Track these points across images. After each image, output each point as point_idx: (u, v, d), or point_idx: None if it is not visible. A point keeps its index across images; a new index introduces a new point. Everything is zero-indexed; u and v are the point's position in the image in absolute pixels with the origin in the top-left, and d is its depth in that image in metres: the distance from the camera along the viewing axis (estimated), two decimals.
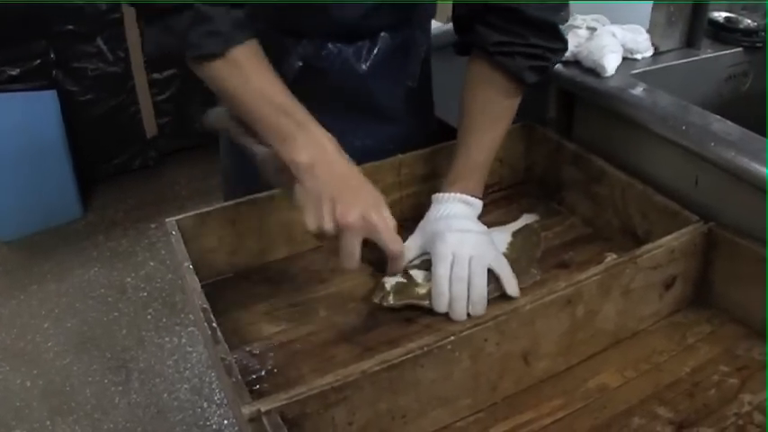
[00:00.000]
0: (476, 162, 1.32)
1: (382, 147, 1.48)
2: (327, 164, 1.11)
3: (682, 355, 1.15)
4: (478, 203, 1.31)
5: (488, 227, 1.30)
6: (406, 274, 1.24)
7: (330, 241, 1.10)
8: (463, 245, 1.20)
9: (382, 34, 1.45)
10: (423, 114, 1.63)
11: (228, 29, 1.11)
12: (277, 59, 1.21)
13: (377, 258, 1.18)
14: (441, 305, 1.18)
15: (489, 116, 1.33)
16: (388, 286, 1.22)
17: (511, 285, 1.19)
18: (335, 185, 1.09)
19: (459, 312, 1.16)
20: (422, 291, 1.21)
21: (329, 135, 1.13)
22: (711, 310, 1.24)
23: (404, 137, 1.53)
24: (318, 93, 1.37)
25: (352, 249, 1.09)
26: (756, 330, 1.18)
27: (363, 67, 1.45)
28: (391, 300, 1.21)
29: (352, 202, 1.08)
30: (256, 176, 1.23)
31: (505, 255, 1.26)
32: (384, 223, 1.10)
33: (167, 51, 1.15)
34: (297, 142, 1.10)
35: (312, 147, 1.11)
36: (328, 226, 1.07)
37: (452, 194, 1.29)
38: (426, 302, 1.20)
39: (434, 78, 1.63)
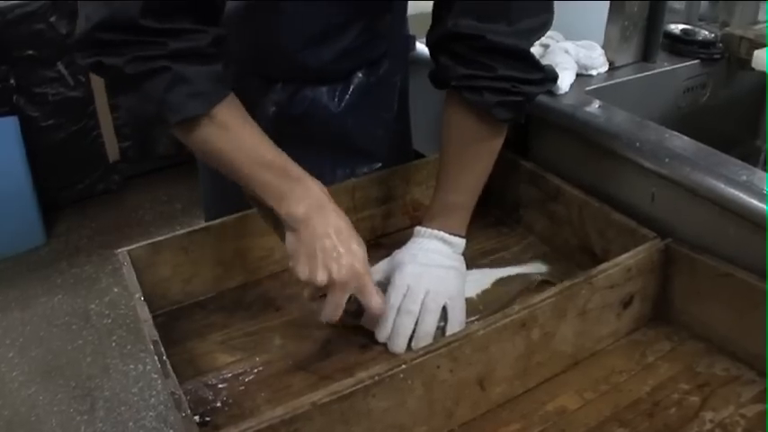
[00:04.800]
0: (454, 203, 1.28)
1: None
2: (323, 216, 1.11)
3: (641, 374, 1.14)
4: (459, 242, 1.27)
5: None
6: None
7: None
8: (421, 278, 1.19)
9: (357, 74, 1.45)
10: (401, 148, 1.62)
11: (209, 87, 1.06)
12: (252, 104, 1.18)
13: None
14: (382, 335, 1.18)
15: (466, 155, 1.27)
16: None
17: (454, 331, 1.15)
18: (329, 240, 1.09)
19: (399, 345, 1.16)
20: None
21: (323, 188, 1.14)
22: (671, 326, 1.23)
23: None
24: (294, 135, 1.38)
25: (340, 303, 1.10)
26: (717, 346, 1.17)
27: (338, 108, 1.45)
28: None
29: (346, 257, 1.09)
30: (237, 198, 1.22)
31: (472, 300, 1.26)
32: (370, 280, 1.11)
33: (147, 117, 1.08)
34: (294, 196, 1.10)
35: (308, 200, 1.11)
36: (321, 279, 1.07)
37: (430, 230, 1.26)
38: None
39: (413, 108, 1.62)
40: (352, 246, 1.11)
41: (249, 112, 1.13)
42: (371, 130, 1.52)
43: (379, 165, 1.53)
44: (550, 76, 1.29)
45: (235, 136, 1.10)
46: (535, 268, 1.39)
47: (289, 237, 1.12)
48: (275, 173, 1.11)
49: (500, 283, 1.34)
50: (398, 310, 1.17)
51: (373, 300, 1.11)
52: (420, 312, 1.16)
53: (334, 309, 1.10)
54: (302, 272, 1.09)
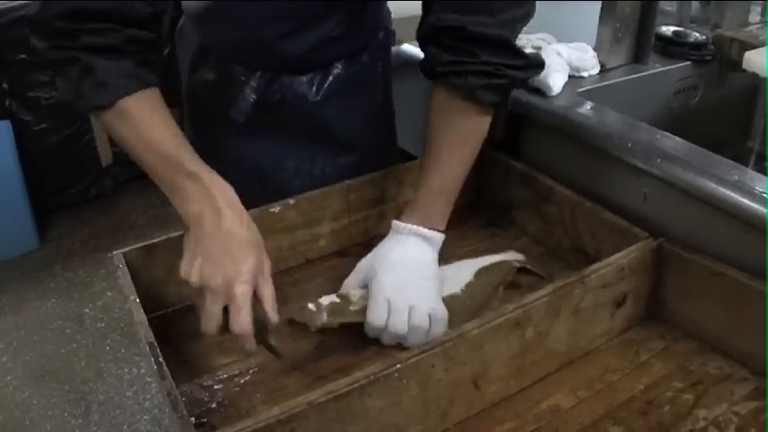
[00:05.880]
0: (438, 188, 1.27)
1: (342, 175, 1.47)
2: (216, 217, 1.07)
3: (635, 373, 1.14)
4: (437, 237, 1.26)
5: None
6: (340, 295, 1.24)
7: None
8: (401, 292, 1.18)
9: (336, 65, 1.45)
10: (383, 142, 1.63)
11: (114, 80, 1.08)
12: (235, 93, 1.21)
13: None
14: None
15: (451, 140, 1.27)
16: (323, 306, 1.21)
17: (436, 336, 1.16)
18: (215, 243, 1.06)
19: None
20: (355, 308, 1.21)
21: (225, 186, 1.11)
22: (664, 325, 1.24)
23: (364, 165, 1.51)
24: (275, 123, 1.40)
25: (212, 313, 1.04)
26: (710, 345, 1.18)
27: (317, 97, 1.45)
28: (325, 318, 1.20)
29: (223, 265, 1.04)
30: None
31: (457, 295, 1.26)
32: (242, 301, 1.03)
33: (70, 103, 1.13)
34: (187, 192, 1.09)
35: (203, 198, 1.08)
36: (193, 280, 1.04)
37: (409, 226, 1.25)
38: (359, 319, 1.20)
39: (399, 108, 1.62)
40: (238, 256, 1.05)
41: (232, 101, 1.14)
42: (351, 121, 1.52)
43: (360, 156, 1.54)
44: (534, 62, 1.32)
45: (136, 127, 1.10)
46: (511, 256, 1.39)
47: (184, 241, 1.10)
48: (172, 166, 1.09)
49: (481, 273, 1.33)
50: (385, 329, 1.17)
51: (234, 322, 1.03)
52: (408, 331, 1.16)
53: (206, 318, 1.04)
54: (183, 269, 1.06)
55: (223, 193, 1.09)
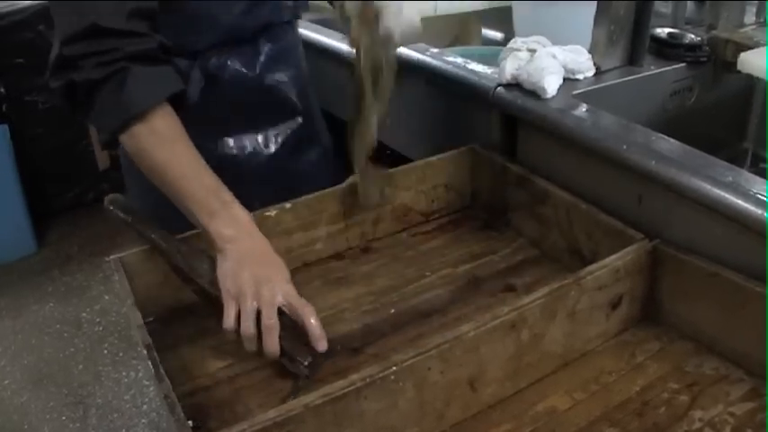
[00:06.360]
0: None
1: (294, 144, 1.63)
2: (250, 239, 1.20)
3: (631, 375, 1.15)
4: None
5: (436, 253, 1.28)
6: None
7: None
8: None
9: (263, 41, 1.54)
10: (312, 101, 1.72)
11: (163, 82, 1.22)
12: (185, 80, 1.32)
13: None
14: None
15: None
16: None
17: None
18: (255, 257, 1.18)
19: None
20: None
21: (250, 216, 1.23)
22: (660, 327, 1.24)
23: (307, 127, 1.66)
24: (222, 101, 1.50)
25: (270, 318, 1.13)
26: (705, 346, 1.18)
27: (254, 72, 1.53)
28: None
29: (272, 274, 1.17)
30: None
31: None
32: (296, 301, 1.16)
33: (109, 126, 1.21)
34: (222, 218, 1.19)
35: (237, 225, 1.20)
36: (249, 290, 1.14)
37: None
38: None
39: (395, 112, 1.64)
40: (275, 265, 1.20)
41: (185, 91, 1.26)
42: (287, 89, 1.61)
43: (301, 119, 1.65)
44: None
45: (174, 148, 1.22)
46: None
47: (218, 261, 1.19)
48: (209, 191, 1.20)
49: None
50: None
51: (306, 311, 1.15)
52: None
53: (245, 317, 1.13)
54: (231, 287, 1.15)
55: (249, 218, 1.22)
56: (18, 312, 3.31)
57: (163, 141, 1.21)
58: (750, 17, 1.91)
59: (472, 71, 1.62)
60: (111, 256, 1.26)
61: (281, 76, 1.58)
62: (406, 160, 1.59)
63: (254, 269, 1.15)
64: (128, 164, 1.53)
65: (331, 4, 1.64)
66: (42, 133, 3.68)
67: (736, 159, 1.83)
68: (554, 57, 1.50)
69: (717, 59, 1.79)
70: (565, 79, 1.52)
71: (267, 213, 1.36)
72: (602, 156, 1.33)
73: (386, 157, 1.66)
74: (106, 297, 3.38)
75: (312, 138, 1.69)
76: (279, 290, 1.15)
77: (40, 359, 3.03)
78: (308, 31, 2.06)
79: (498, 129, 1.54)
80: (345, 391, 0.94)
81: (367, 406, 0.97)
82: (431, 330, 1.24)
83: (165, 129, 1.20)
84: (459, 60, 1.68)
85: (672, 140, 1.29)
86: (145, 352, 1.06)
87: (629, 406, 1.08)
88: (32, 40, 3.48)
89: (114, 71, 1.16)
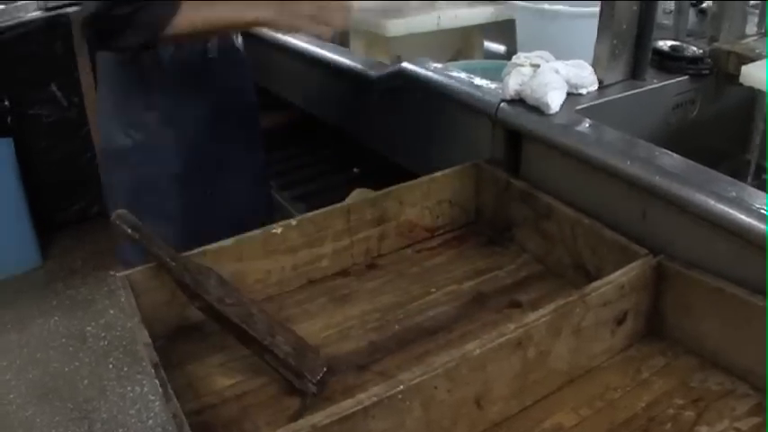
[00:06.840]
0: None
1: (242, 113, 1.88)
2: None
3: (636, 390, 1.15)
4: None
5: (441, 269, 1.28)
6: None
7: None
8: None
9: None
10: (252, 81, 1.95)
11: None
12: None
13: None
14: None
15: None
16: None
17: None
18: None
19: None
20: None
21: None
22: (665, 342, 1.24)
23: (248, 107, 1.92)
24: (187, 81, 1.72)
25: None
26: (710, 361, 1.18)
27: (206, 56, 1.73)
28: None
29: None
30: None
31: None
32: None
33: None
34: None
35: None
36: None
37: None
38: None
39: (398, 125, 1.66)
40: None
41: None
42: (235, 72, 1.83)
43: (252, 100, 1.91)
44: None
45: None
46: None
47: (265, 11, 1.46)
48: None
49: None
50: None
51: None
52: None
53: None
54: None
55: None
56: (23, 326, 3.31)
57: None
58: (752, 27, 1.91)
59: (476, 87, 1.62)
60: (119, 274, 1.26)
61: (229, 64, 1.79)
62: (410, 176, 1.60)
63: None
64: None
65: None
66: (46, 146, 3.69)
67: (738, 171, 1.84)
68: (557, 72, 1.50)
69: (719, 72, 1.79)
70: (568, 94, 1.52)
71: (273, 231, 1.36)
72: (606, 171, 1.33)
73: (390, 172, 1.67)
74: (111, 311, 3.38)
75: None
76: None
77: (46, 373, 3.03)
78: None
79: (502, 144, 1.54)
80: (353, 410, 0.94)
81: (374, 425, 0.97)
82: (437, 347, 1.25)
83: None
84: (463, 75, 1.69)
85: (675, 155, 1.30)
86: (152, 370, 1.06)
87: (634, 422, 1.08)
88: (36, 54, 3.49)
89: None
